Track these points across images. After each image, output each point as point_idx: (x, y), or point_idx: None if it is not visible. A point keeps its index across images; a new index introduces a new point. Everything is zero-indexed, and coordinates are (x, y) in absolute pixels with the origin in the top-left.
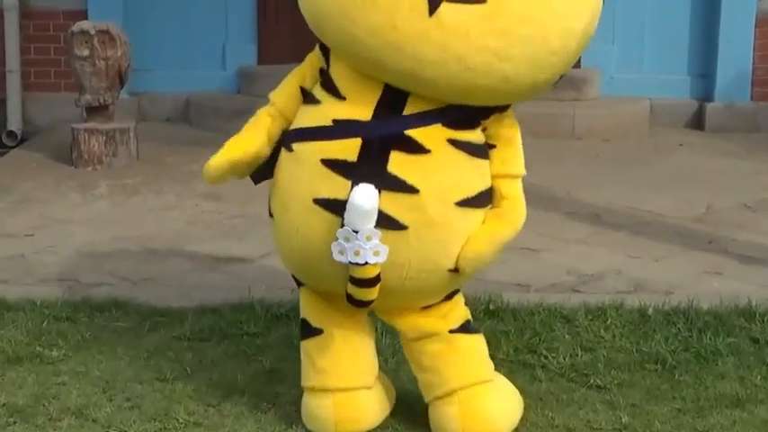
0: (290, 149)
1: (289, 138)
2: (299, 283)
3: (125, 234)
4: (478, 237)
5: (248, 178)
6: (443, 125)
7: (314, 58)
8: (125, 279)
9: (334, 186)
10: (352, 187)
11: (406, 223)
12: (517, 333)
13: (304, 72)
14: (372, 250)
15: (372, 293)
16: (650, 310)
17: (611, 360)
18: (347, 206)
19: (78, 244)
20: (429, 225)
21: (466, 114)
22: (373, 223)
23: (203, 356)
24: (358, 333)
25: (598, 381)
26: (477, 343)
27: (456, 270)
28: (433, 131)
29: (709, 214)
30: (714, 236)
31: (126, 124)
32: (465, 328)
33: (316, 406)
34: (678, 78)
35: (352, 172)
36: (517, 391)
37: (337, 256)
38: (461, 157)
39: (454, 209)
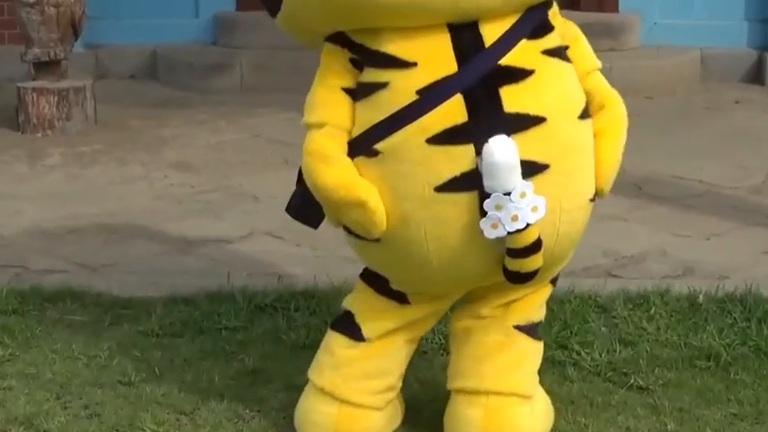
0: (373, 153)
1: (362, 143)
2: (390, 293)
3: (81, 212)
4: (604, 147)
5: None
6: (528, 39)
7: (338, 55)
8: (82, 265)
9: (456, 160)
10: (477, 150)
11: (546, 161)
12: (545, 325)
13: (339, 75)
14: (530, 206)
15: (539, 259)
16: (701, 298)
17: (654, 356)
18: (486, 169)
19: (26, 224)
20: (566, 152)
21: (540, 16)
22: (520, 176)
23: (174, 355)
24: (398, 354)
25: (640, 381)
26: (534, 351)
27: (592, 200)
28: (524, 49)
29: None
30: None
31: (81, 82)
32: (531, 330)
33: (318, 410)
34: (733, 24)
35: (469, 134)
36: (552, 410)
37: (490, 233)
38: (561, 65)
39: (579, 124)
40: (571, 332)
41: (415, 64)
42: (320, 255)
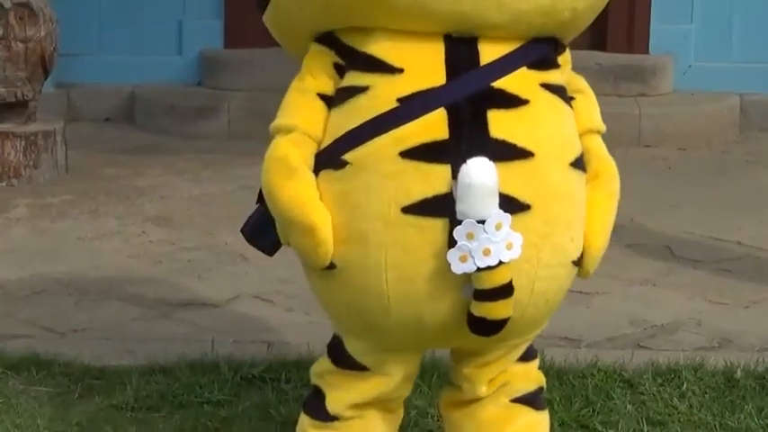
0: (341, 164)
1: (331, 152)
2: (347, 364)
3: (49, 270)
4: (594, 225)
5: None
6: (529, 67)
7: (321, 57)
8: (49, 329)
9: (429, 180)
10: (454, 173)
11: (528, 201)
12: (564, 401)
13: (316, 78)
14: (505, 242)
15: (508, 307)
16: (739, 373)
17: None
18: (460, 191)
19: None
20: (552, 197)
21: (546, 49)
22: (497, 206)
23: (151, 431)
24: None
25: None
26: (540, 425)
27: (577, 263)
28: (522, 77)
29: None
30: None
31: (51, 126)
32: (532, 400)
33: None
34: None
35: (448, 153)
36: None
37: (458, 267)
38: (560, 104)
39: (571, 173)
40: (593, 410)
41: (401, 70)
42: (314, 321)
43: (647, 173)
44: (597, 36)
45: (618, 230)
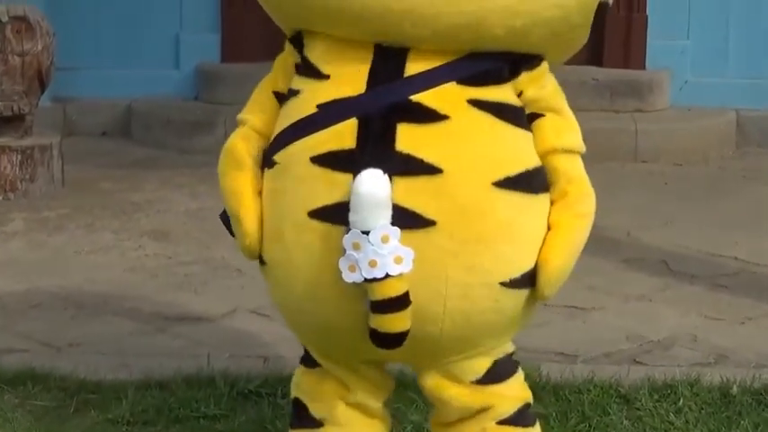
0: (272, 164)
1: (268, 152)
2: (312, 362)
3: (45, 284)
4: (553, 244)
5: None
6: (459, 82)
7: (286, 57)
8: (45, 344)
9: (333, 187)
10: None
11: (432, 217)
12: (560, 417)
13: (275, 76)
14: (393, 256)
15: (402, 320)
16: (735, 389)
17: None
18: (352, 201)
19: None
20: (463, 216)
21: (489, 64)
22: (388, 219)
23: None
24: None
25: None
26: None
27: (512, 285)
28: (447, 92)
29: None
30: None
31: (48, 140)
32: (516, 420)
33: None
34: None
35: (353, 163)
36: None
37: (348, 276)
38: (491, 121)
39: (492, 191)
40: (590, 425)
41: (327, 77)
42: None
43: (643, 188)
44: (594, 51)
45: (614, 245)
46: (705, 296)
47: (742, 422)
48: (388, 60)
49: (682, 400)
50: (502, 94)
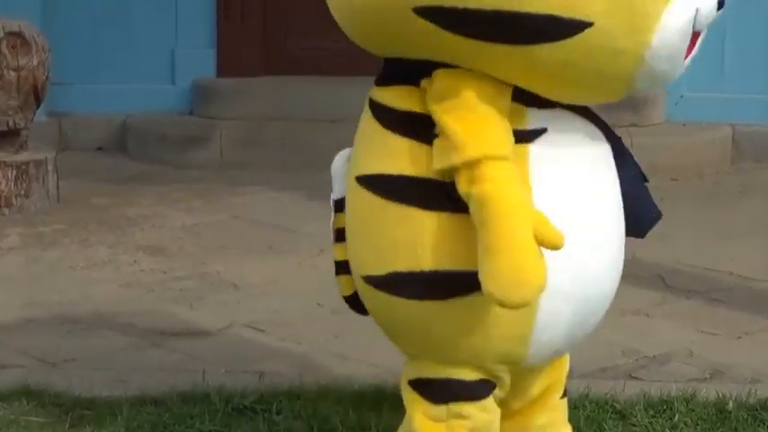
0: None
1: None
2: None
3: (40, 299)
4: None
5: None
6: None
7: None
8: (39, 359)
9: None
10: None
11: None
12: None
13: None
14: None
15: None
16: (731, 404)
17: None
18: None
19: None
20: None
21: (390, 66)
22: None
23: None
24: None
25: None
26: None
27: (370, 283)
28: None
29: None
30: None
31: (43, 155)
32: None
33: None
34: None
35: None
36: None
37: None
38: (366, 120)
39: (356, 186)
40: None
41: None
42: (306, 350)
43: None
44: None
45: None
46: (701, 311)
47: None
48: None
49: (677, 416)
50: (398, 97)
